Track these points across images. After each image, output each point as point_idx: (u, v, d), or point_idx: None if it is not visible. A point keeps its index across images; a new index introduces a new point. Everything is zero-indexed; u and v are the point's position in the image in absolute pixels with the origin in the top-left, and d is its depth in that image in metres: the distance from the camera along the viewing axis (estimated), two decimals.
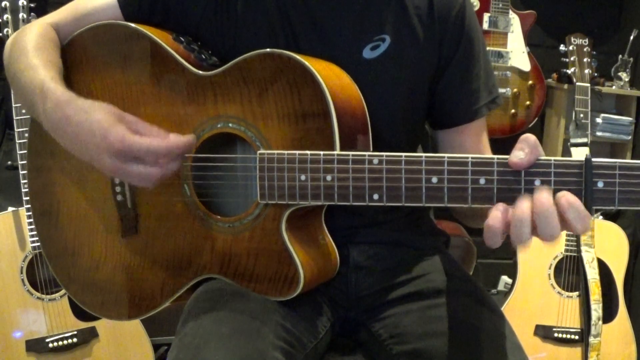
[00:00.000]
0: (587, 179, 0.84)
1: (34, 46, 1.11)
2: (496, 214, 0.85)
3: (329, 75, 1.02)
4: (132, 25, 1.12)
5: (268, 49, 1.02)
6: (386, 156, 0.93)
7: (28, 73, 1.07)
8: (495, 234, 0.85)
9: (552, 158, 0.86)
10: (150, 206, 1.13)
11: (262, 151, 1.01)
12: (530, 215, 0.83)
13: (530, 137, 0.86)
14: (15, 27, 2.03)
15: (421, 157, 0.91)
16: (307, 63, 0.99)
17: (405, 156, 0.92)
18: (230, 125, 1.06)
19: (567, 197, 0.83)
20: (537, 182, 0.86)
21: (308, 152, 0.97)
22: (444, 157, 0.90)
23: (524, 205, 0.84)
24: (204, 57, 1.12)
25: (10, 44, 1.17)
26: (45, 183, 1.21)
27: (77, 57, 1.16)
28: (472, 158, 0.89)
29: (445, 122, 1.22)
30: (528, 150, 0.85)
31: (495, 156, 0.88)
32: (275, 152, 1.00)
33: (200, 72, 1.08)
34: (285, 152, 0.99)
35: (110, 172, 0.98)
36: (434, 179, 0.90)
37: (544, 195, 0.83)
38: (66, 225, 1.20)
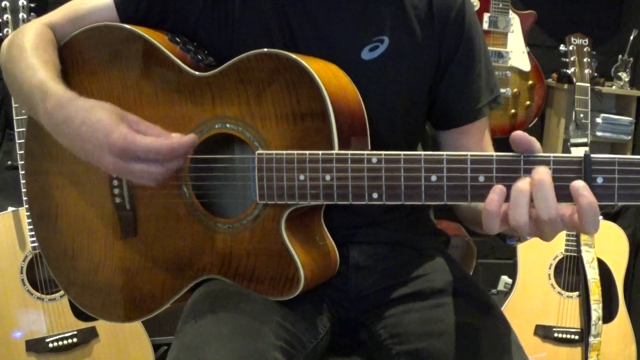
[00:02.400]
0: (586, 175, 0.84)
1: (32, 46, 1.11)
2: (493, 197, 0.86)
3: (327, 75, 1.02)
4: (128, 26, 1.12)
5: (265, 49, 1.02)
6: (385, 155, 0.93)
7: (27, 73, 1.07)
8: (492, 216, 0.86)
9: (552, 154, 0.86)
10: (149, 208, 1.13)
11: (260, 151, 1.01)
12: (529, 189, 0.84)
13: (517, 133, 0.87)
14: (15, 27, 2.03)
15: (420, 155, 0.91)
16: (304, 62, 0.99)
17: (404, 155, 0.92)
18: (228, 125, 1.06)
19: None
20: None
21: (306, 152, 0.97)
22: (442, 155, 0.90)
23: (523, 180, 0.85)
24: (200, 57, 1.12)
25: (8, 44, 1.16)
26: (42, 186, 1.21)
27: (73, 59, 1.16)
28: (470, 156, 0.89)
29: (448, 123, 1.22)
30: (521, 141, 0.86)
31: (494, 153, 0.89)
32: (274, 152, 1.00)
33: (197, 73, 1.08)
34: (284, 152, 0.99)
35: (113, 171, 0.98)
36: (433, 177, 0.90)
37: (542, 169, 0.84)
38: (65, 228, 1.20)
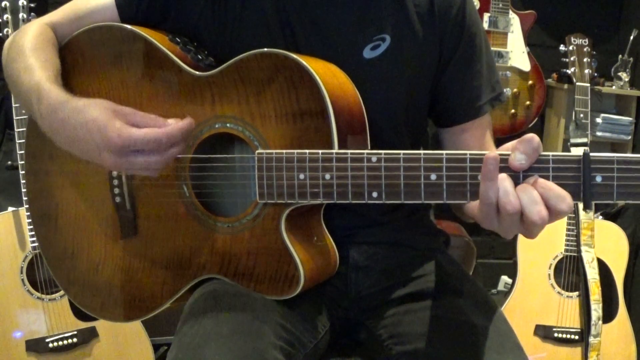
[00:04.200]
0: (585, 173, 0.84)
1: (31, 46, 1.11)
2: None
3: (326, 74, 1.02)
4: (129, 27, 1.12)
5: (265, 49, 1.02)
6: (385, 154, 0.93)
7: (25, 74, 1.07)
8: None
9: (551, 153, 0.86)
10: (149, 207, 1.13)
11: (260, 151, 1.01)
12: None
13: (534, 140, 0.86)
14: (15, 27, 2.03)
15: (419, 154, 0.91)
16: (303, 62, 0.99)
17: (404, 154, 0.92)
18: (228, 125, 1.06)
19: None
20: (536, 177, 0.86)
21: (306, 151, 0.97)
22: (442, 154, 0.90)
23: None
24: (200, 57, 1.12)
25: (9, 45, 1.16)
26: (43, 186, 1.21)
27: (74, 59, 1.16)
28: (470, 154, 0.89)
29: (449, 121, 1.22)
30: (530, 154, 0.85)
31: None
32: (274, 151, 1.00)
33: (197, 72, 1.08)
34: (284, 151, 0.99)
35: (113, 167, 0.99)
36: (433, 176, 0.91)
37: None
38: (65, 228, 1.20)
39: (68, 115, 0.99)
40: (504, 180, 0.85)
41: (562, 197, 0.84)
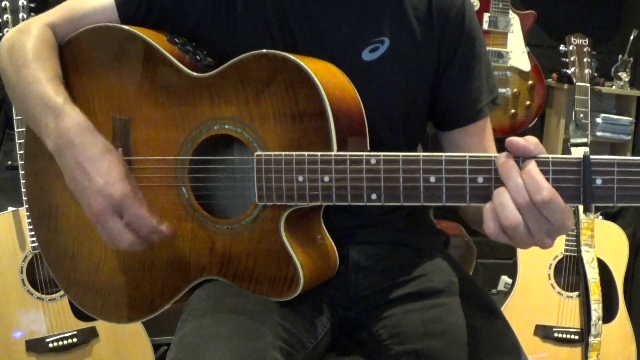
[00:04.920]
0: (585, 176, 0.84)
1: (35, 56, 1.10)
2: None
3: (325, 75, 1.02)
4: (126, 27, 1.12)
5: (264, 50, 1.02)
6: (384, 156, 0.93)
7: (32, 86, 1.07)
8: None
9: (551, 156, 0.86)
10: (149, 209, 1.13)
11: (259, 153, 1.01)
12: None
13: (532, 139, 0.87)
14: None
15: (419, 156, 0.91)
16: (302, 63, 0.99)
17: (403, 156, 0.92)
18: (226, 126, 1.06)
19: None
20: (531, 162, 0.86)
21: (305, 152, 0.97)
22: (441, 156, 0.90)
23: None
24: (199, 58, 1.12)
25: (9, 47, 1.15)
26: (42, 186, 1.21)
27: (73, 60, 1.16)
28: (469, 157, 0.89)
29: (449, 123, 1.22)
30: (529, 141, 0.86)
31: (493, 154, 0.89)
32: (273, 153, 1.00)
33: (196, 74, 1.08)
34: (283, 153, 0.99)
35: (95, 215, 1.02)
36: (432, 178, 0.90)
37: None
38: (65, 229, 1.20)
39: (89, 145, 1.03)
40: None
41: (539, 189, 0.84)
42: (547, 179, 0.85)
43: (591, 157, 0.84)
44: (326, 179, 0.96)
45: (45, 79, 1.07)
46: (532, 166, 0.85)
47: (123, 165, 1.03)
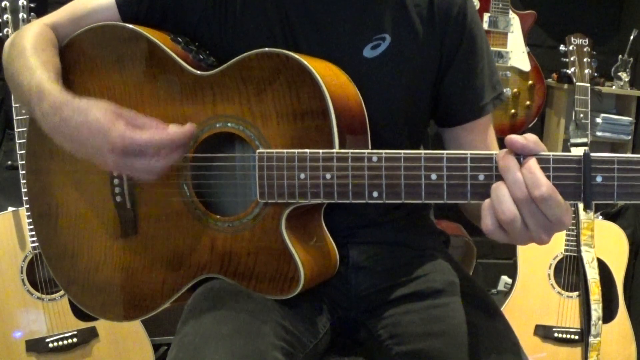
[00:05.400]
0: (585, 173, 0.84)
1: (32, 47, 1.11)
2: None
3: (327, 74, 1.02)
4: (130, 26, 1.12)
5: (266, 48, 1.02)
6: (385, 153, 0.93)
7: (26, 74, 1.07)
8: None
9: (551, 153, 0.86)
10: (150, 207, 1.13)
11: (261, 150, 1.01)
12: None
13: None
14: (15, 27, 2.03)
15: (420, 154, 0.91)
16: (304, 61, 0.99)
17: (405, 153, 0.92)
18: (229, 124, 1.06)
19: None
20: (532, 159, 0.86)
21: (307, 150, 0.97)
22: (442, 153, 0.90)
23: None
24: (202, 57, 1.12)
25: (9, 45, 1.16)
26: (43, 185, 1.21)
27: (75, 59, 1.16)
28: (470, 154, 0.89)
29: (452, 121, 1.22)
30: (528, 137, 0.87)
31: (494, 152, 0.89)
32: (274, 151, 1.00)
33: (199, 72, 1.08)
34: (285, 150, 0.99)
35: (114, 168, 1.00)
36: (433, 176, 0.91)
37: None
38: (65, 227, 1.20)
39: (70, 115, 0.99)
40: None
41: (538, 184, 0.84)
42: (548, 177, 0.85)
43: (591, 154, 0.84)
44: (328, 176, 0.96)
45: (36, 65, 1.07)
46: (532, 162, 0.85)
47: (110, 107, 0.99)
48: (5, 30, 2.05)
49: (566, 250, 2.35)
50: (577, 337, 2.31)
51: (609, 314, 2.34)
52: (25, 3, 2.06)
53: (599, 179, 0.85)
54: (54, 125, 1.02)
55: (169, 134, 0.97)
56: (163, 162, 0.97)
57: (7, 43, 1.18)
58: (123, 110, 1.00)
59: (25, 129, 1.97)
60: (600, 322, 2.26)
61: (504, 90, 2.82)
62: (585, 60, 2.50)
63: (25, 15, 2.06)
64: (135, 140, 0.95)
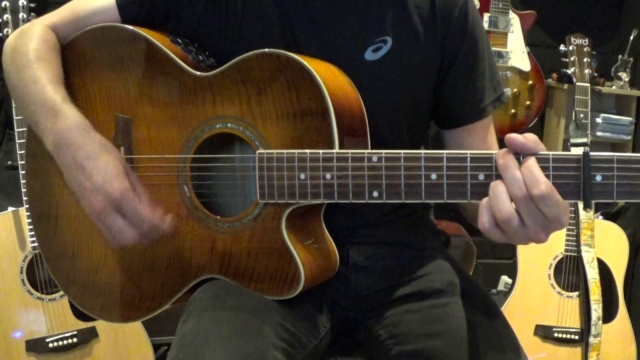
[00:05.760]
0: (585, 172, 0.84)
1: (37, 56, 1.11)
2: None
3: (327, 74, 1.02)
4: (130, 27, 1.12)
5: (266, 49, 1.02)
6: (385, 153, 0.93)
7: (33, 86, 1.08)
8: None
9: (551, 152, 0.86)
10: (150, 205, 1.13)
11: (261, 151, 1.02)
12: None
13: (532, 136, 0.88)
14: (15, 27, 2.03)
15: (420, 153, 0.91)
16: (304, 62, 0.99)
17: (405, 153, 0.92)
18: (229, 125, 1.06)
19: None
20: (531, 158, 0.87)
21: (307, 150, 0.97)
22: (442, 153, 0.91)
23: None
24: (201, 58, 1.12)
25: (11, 50, 1.16)
26: (43, 186, 1.21)
27: (76, 60, 1.16)
28: (470, 154, 0.89)
29: (453, 122, 1.22)
30: (528, 137, 0.87)
31: (494, 151, 0.89)
32: (274, 151, 1.00)
33: (198, 73, 1.08)
34: (285, 151, 0.99)
35: (96, 213, 1.01)
36: (433, 176, 0.91)
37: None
38: (65, 228, 1.20)
39: (86, 143, 1.03)
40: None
41: (537, 182, 0.84)
42: (548, 176, 0.85)
43: (591, 153, 0.85)
44: (328, 176, 0.96)
45: (45, 79, 1.08)
46: (531, 161, 0.85)
47: (122, 162, 1.03)
48: (5, 30, 2.05)
49: (566, 250, 2.35)
50: (577, 337, 2.31)
51: (609, 314, 2.34)
52: (25, 3, 2.07)
53: (598, 178, 0.85)
54: (65, 144, 1.04)
55: (155, 219, 1.02)
56: (136, 236, 1.02)
57: (8, 45, 1.17)
58: (130, 171, 1.04)
59: (25, 129, 1.97)
60: (600, 322, 2.26)
61: (505, 91, 2.83)
62: (585, 60, 2.50)
63: (25, 15, 2.06)
64: (131, 203, 1.00)
